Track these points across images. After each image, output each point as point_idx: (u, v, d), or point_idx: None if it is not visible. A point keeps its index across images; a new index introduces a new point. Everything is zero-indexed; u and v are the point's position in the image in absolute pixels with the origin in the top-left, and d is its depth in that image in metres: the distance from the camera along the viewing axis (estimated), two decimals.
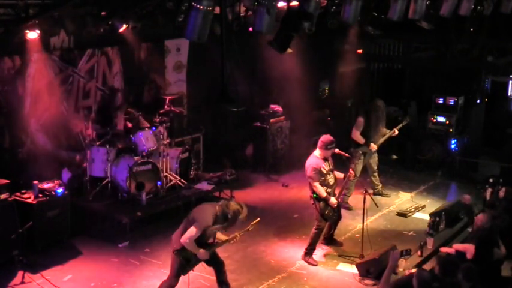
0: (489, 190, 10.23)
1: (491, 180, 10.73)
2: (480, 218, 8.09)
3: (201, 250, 7.06)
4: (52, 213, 8.91)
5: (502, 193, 9.31)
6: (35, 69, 9.64)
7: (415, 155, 13.34)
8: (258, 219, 7.48)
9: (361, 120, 10.86)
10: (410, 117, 12.19)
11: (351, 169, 9.21)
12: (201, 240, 7.07)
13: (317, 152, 8.76)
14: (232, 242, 7.36)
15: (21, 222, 8.44)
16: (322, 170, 8.65)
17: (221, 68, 7.23)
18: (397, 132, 11.07)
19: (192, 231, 6.93)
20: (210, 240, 7.23)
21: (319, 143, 8.76)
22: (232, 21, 8.44)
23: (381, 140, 11.04)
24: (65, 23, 8.04)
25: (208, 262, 7.41)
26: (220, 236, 7.37)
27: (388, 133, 11.05)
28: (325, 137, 8.78)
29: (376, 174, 11.38)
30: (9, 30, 7.81)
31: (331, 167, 8.83)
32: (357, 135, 10.82)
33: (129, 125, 10.47)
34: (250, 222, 7.39)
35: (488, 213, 8.35)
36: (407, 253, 7.89)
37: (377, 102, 11.06)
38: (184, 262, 7.12)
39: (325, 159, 8.76)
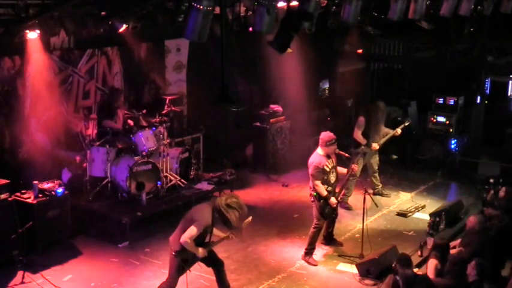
0: (490, 190, 10.23)
1: (491, 181, 10.74)
2: (471, 220, 8.12)
3: (200, 249, 7.06)
4: (52, 213, 8.90)
5: (502, 193, 9.31)
6: (35, 69, 9.63)
7: (415, 155, 13.34)
8: (250, 217, 7.46)
9: (362, 119, 10.86)
10: (411, 118, 12.19)
11: (353, 165, 9.21)
12: (199, 240, 7.07)
13: (319, 150, 8.78)
14: (228, 239, 7.33)
15: (21, 222, 8.43)
16: (326, 167, 8.66)
17: (221, 68, 7.22)
18: (399, 131, 11.06)
19: (193, 230, 6.92)
20: (207, 239, 7.23)
21: (320, 141, 8.79)
22: (232, 21, 8.44)
23: (383, 140, 11.03)
24: (65, 23, 8.04)
25: (208, 263, 7.41)
26: (217, 233, 7.35)
27: (391, 133, 11.04)
28: (324, 135, 8.79)
29: (376, 174, 11.37)
30: (9, 30, 7.81)
31: (334, 165, 8.84)
32: (358, 135, 10.81)
33: (131, 123, 10.45)
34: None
35: (480, 215, 8.38)
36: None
37: (378, 103, 11.06)
38: (183, 263, 7.11)
39: (328, 157, 8.77)
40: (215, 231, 7.33)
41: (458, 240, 8.45)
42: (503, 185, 9.88)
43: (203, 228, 6.97)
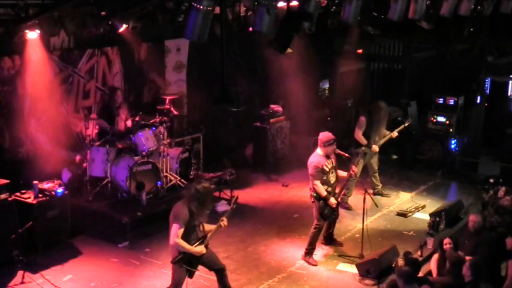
0: (489, 191, 10.23)
1: (491, 181, 10.74)
2: (472, 219, 8.11)
3: (197, 247, 7.03)
4: (52, 213, 8.90)
5: (502, 192, 9.31)
6: (35, 69, 9.63)
7: (415, 155, 13.34)
8: (236, 196, 7.49)
9: (363, 119, 10.86)
10: (411, 119, 12.20)
11: (353, 166, 9.21)
12: (191, 238, 7.04)
13: (319, 150, 8.78)
14: (221, 227, 7.24)
15: (21, 222, 8.43)
16: (325, 168, 8.66)
17: (221, 68, 7.23)
18: (396, 134, 11.07)
19: (175, 228, 6.92)
20: (200, 235, 7.19)
21: (318, 142, 8.78)
22: (232, 21, 8.44)
23: (382, 141, 11.03)
24: (65, 23, 8.04)
25: (210, 266, 7.35)
26: (208, 227, 7.28)
27: (389, 135, 11.05)
28: (323, 135, 8.79)
29: (376, 174, 11.37)
30: (9, 30, 7.82)
31: (334, 165, 8.83)
32: (359, 135, 10.80)
33: (129, 124, 10.46)
34: (241, 216, 7.35)
35: (480, 213, 8.38)
36: None
37: (380, 103, 11.05)
38: (187, 266, 7.05)
39: (328, 157, 8.76)
40: (205, 226, 7.26)
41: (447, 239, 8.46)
42: (503, 185, 9.88)
43: (183, 222, 6.93)
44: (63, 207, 9.08)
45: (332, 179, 8.79)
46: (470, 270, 6.86)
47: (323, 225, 8.95)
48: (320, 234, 9.02)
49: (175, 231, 6.91)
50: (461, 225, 9.98)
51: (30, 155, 9.81)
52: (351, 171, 9.05)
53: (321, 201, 8.70)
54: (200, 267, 7.40)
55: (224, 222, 7.21)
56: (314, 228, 8.85)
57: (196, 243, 7.06)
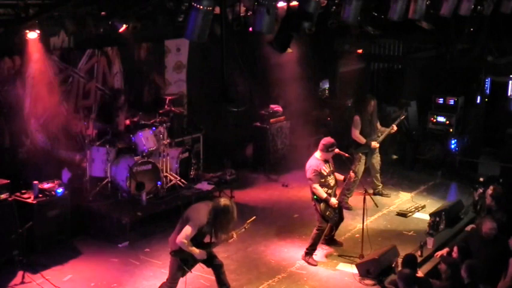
0: (479, 190, 10.23)
1: (481, 179, 10.75)
2: (489, 226, 7.97)
3: (198, 250, 7.05)
4: (52, 213, 8.91)
5: (490, 191, 9.28)
6: (35, 69, 9.63)
7: (415, 155, 13.34)
8: (254, 217, 7.50)
9: (357, 118, 10.86)
10: (411, 118, 12.18)
11: (351, 171, 9.20)
12: (197, 241, 7.05)
13: (318, 154, 8.77)
14: (229, 241, 7.35)
15: (21, 222, 8.43)
16: (323, 171, 8.65)
17: (221, 68, 7.23)
18: (395, 128, 11.06)
19: (188, 230, 6.91)
20: (206, 240, 7.21)
21: (320, 145, 8.76)
22: (232, 21, 8.44)
23: (381, 138, 11.02)
24: (65, 23, 8.03)
25: (207, 263, 7.39)
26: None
27: (387, 130, 11.03)
28: (326, 140, 8.78)
29: (378, 175, 11.37)
30: (9, 30, 7.81)
31: (331, 169, 8.83)
32: (357, 135, 10.80)
33: (128, 122, 10.45)
34: (246, 220, 7.39)
35: (492, 219, 8.32)
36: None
37: (368, 98, 11.03)
38: (182, 263, 7.09)
39: (326, 161, 8.76)
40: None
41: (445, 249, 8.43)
42: (503, 185, 9.85)
43: (198, 228, 6.95)
44: (63, 207, 9.09)
45: (331, 182, 8.78)
46: (466, 272, 6.86)
47: (326, 227, 8.94)
48: (322, 236, 9.01)
49: (187, 234, 6.91)
50: (461, 225, 10.00)
51: (30, 155, 9.81)
52: (349, 176, 9.01)
53: (322, 204, 8.69)
54: (200, 267, 7.42)
55: (234, 237, 7.28)
56: (317, 230, 8.83)
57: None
